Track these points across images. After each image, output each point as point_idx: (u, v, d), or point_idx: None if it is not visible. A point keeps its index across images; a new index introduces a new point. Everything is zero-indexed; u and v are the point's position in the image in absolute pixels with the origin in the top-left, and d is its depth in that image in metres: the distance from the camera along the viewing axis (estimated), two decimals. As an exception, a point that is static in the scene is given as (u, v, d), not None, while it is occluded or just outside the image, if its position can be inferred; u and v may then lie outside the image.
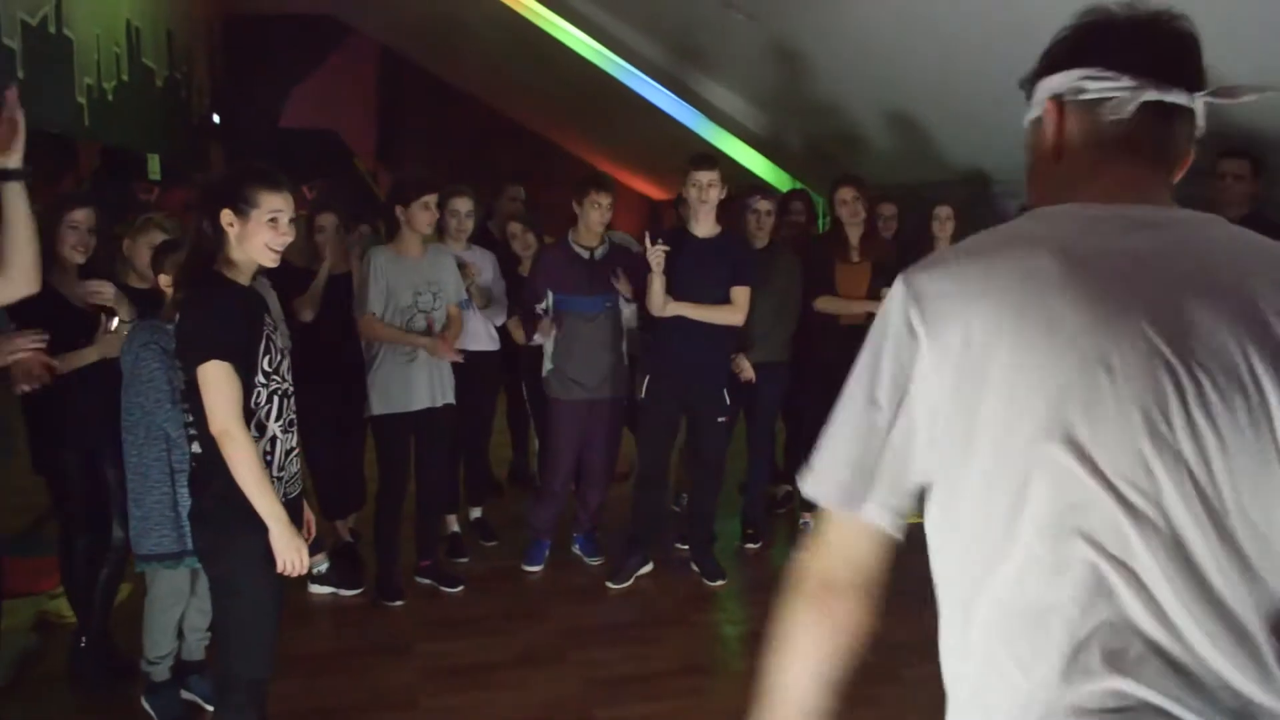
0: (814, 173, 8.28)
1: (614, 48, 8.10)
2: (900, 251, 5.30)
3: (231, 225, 2.55)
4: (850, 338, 4.93)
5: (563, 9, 7.99)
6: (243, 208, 2.54)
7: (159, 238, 3.66)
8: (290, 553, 2.55)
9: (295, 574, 2.59)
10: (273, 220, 2.56)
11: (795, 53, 6.66)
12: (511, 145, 11.91)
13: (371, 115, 12.49)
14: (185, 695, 3.57)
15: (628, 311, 4.79)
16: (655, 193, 12.25)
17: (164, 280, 3.29)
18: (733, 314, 4.51)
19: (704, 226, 4.55)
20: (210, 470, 2.55)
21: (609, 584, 4.74)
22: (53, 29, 6.73)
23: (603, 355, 4.71)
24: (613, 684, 3.80)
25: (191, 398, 2.53)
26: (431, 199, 4.39)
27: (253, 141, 11.66)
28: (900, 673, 3.81)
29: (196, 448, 2.60)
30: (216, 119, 11.51)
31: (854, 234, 4.86)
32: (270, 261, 2.60)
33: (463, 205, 4.75)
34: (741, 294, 4.52)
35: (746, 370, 4.82)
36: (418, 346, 4.35)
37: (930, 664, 1.32)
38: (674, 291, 4.47)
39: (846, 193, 4.87)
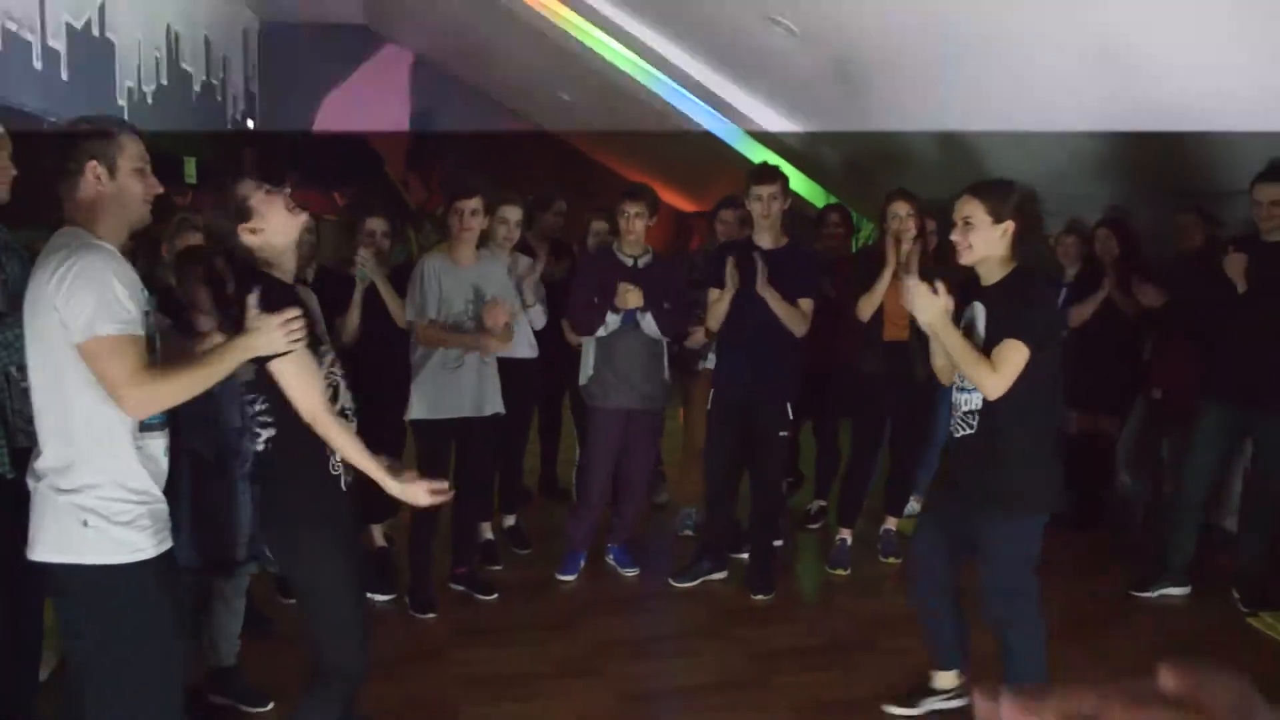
0: (851, 188, 8.26)
1: (649, 58, 8.10)
2: (939, 266, 5.26)
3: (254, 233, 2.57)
4: (891, 353, 4.96)
5: (599, 19, 8.00)
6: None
7: (196, 238, 3.66)
8: (411, 494, 2.64)
9: (430, 503, 2.70)
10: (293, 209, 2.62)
11: (836, 68, 6.64)
12: (543, 156, 11.92)
13: (404, 122, 12.55)
14: (218, 700, 3.57)
15: (645, 323, 4.72)
16: (685, 205, 12.24)
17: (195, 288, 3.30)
18: (800, 322, 4.51)
19: (768, 238, 4.57)
20: (276, 458, 2.58)
21: (672, 580, 4.77)
22: (96, 32, 6.80)
23: (644, 364, 4.69)
24: (650, 698, 3.77)
25: (265, 387, 2.54)
26: (465, 204, 4.36)
27: (285, 147, 11.74)
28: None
29: (265, 437, 2.60)
30: (251, 124, 11.58)
31: (904, 249, 4.81)
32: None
33: (512, 214, 4.74)
34: (808, 304, 4.57)
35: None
36: (468, 347, 4.32)
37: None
38: (741, 302, 4.48)
39: (900, 207, 4.83)
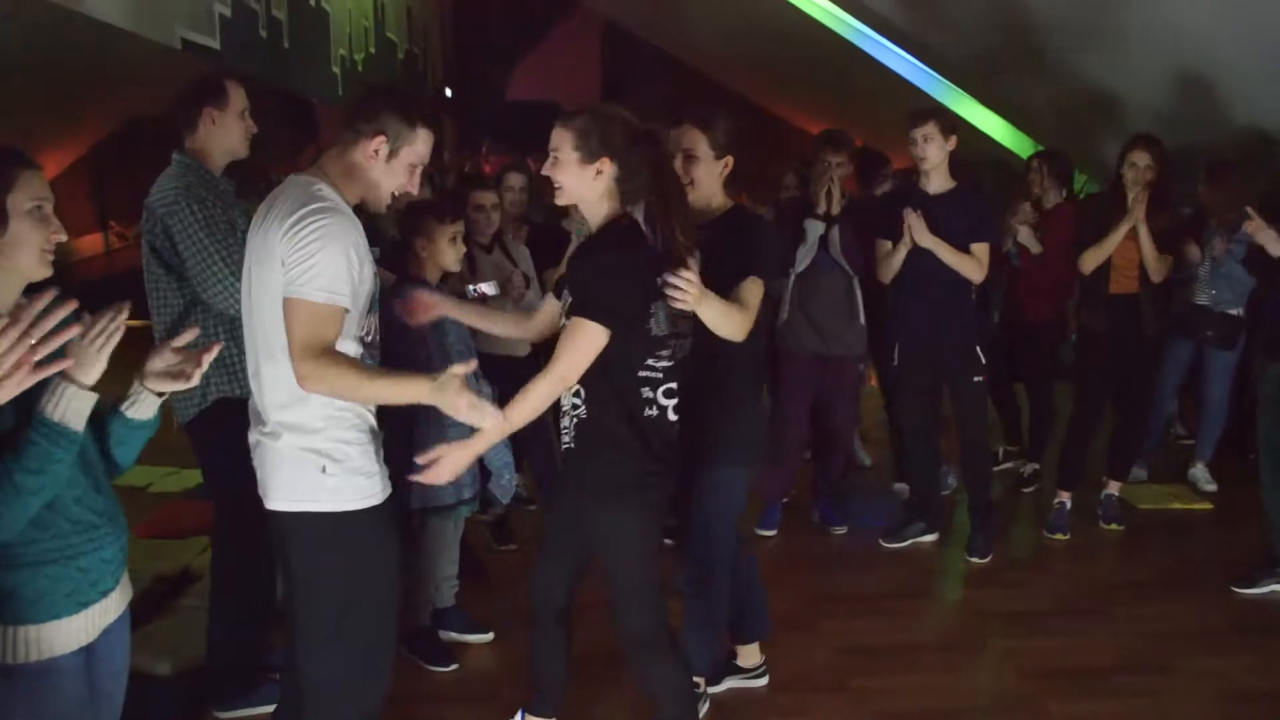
0: (1060, 136, 7.84)
1: (847, 6, 7.88)
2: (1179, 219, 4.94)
3: None
4: (1117, 307, 4.65)
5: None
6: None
7: (423, 193, 3.74)
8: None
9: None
10: None
11: (1042, 8, 6.29)
12: (735, 117, 11.82)
13: (594, 88, 12.67)
14: (446, 636, 3.68)
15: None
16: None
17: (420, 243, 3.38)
18: (974, 268, 4.29)
19: (934, 183, 4.35)
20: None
21: (881, 541, 4.64)
22: (313, 2, 7.10)
23: (840, 311, 4.55)
24: (867, 653, 3.69)
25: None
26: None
27: (481, 114, 12.06)
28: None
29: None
30: (449, 92, 11.92)
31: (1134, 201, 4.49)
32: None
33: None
34: (981, 250, 4.32)
35: None
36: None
37: None
38: (910, 252, 4.30)
39: (1140, 156, 4.49)
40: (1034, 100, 7.69)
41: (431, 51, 11.31)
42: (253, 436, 2.37)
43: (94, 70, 5.99)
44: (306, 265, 2.15)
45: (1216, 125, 6.21)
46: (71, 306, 1.66)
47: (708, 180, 2.94)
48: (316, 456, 2.27)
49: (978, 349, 4.44)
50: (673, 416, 2.60)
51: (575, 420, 2.56)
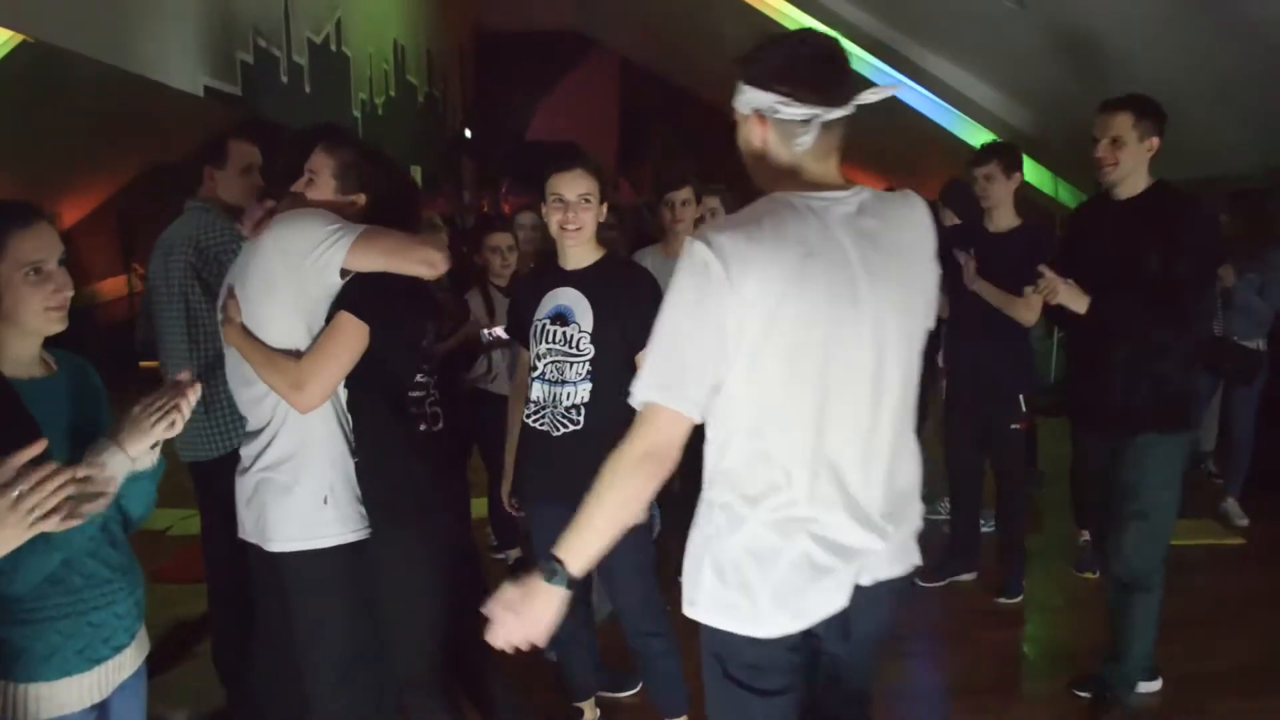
0: (1076, 168, 7.81)
1: (865, 44, 7.91)
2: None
3: None
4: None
5: (813, 7, 7.86)
6: None
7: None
8: None
9: None
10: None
11: (1068, 42, 6.28)
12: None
13: (613, 126, 12.73)
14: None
15: None
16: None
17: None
18: (1024, 311, 4.21)
19: (997, 221, 4.31)
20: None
21: (917, 581, 4.54)
22: (334, 47, 7.16)
23: None
24: (895, 697, 3.61)
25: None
26: (676, 195, 4.30)
27: (500, 154, 12.11)
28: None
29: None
30: (468, 133, 11.99)
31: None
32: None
33: (710, 202, 4.70)
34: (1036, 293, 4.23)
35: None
36: None
37: None
38: (962, 290, 4.24)
39: None
40: (1054, 134, 7.67)
41: (451, 93, 11.40)
42: (251, 480, 2.38)
43: (117, 116, 6.04)
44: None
45: (1250, 156, 6.17)
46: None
47: (592, 228, 2.90)
48: (318, 487, 2.31)
49: (1021, 398, 4.37)
50: (439, 426, 2.51)
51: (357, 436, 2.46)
